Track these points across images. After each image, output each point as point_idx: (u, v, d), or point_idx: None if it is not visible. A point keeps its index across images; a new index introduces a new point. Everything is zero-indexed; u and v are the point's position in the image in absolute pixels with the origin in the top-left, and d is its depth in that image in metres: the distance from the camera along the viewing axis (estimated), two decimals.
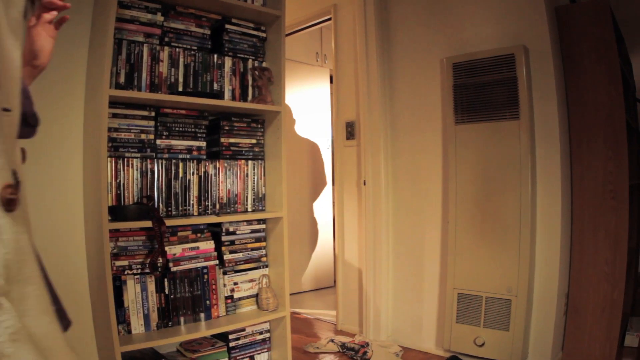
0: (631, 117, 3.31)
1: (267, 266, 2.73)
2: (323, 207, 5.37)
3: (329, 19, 4.07)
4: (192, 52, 2.51)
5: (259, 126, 2.71)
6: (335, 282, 4.22)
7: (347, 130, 3.93)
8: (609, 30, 2.95)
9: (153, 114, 2.37)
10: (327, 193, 5.39)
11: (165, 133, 2.41)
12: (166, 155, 2.41)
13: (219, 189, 2.56)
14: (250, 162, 2.68)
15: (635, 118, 3.67)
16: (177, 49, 2.46)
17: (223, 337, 2.60)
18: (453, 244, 3.09)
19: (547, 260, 2.92)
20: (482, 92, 2.94)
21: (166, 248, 2.36)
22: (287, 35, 4.37)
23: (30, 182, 2.20)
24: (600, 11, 2.98)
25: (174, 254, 2.40)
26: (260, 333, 2.71)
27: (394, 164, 3.62)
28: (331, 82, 4.98)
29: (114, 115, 2.26)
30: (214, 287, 2.50)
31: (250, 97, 2.71)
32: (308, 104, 5.20)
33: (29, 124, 0.73)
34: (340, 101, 4.00)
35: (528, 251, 2.82)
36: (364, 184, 3.70)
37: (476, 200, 3.00)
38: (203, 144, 2.53)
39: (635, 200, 3.25)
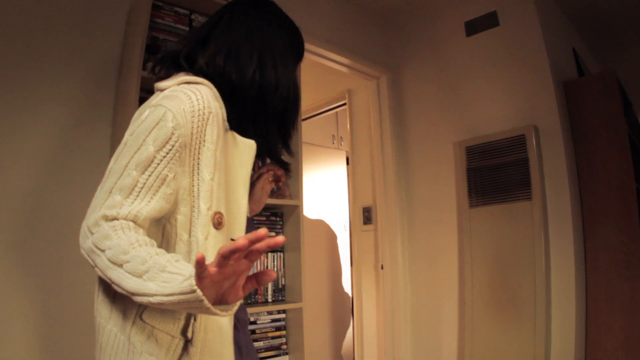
0: None
1: (287, 354, 2.77)
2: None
3: (344, 104, 4.15)
4: None
5: (277, 219, 2.78)
6: None
7: (364, 215, 3.99)
8: (616, 100, 3.00)
9: None
10: (345, 277, 5.28)
11: None
12: None
13: None
14: (269, 254, 2.74)
15: None
16: None
17: None
18: (470, 323, 3.12)
19: (563, 333, 2.94)
20: (494, 174, 3.00)
21: None
22: (304, 119, 4.48)
23: (56, 251, 2.20)
24: (607, 82, 3.05)
25: None
26: None
27: (410, 247, 3.66)
28: (347, 163, 4.99)
29: None
30: None
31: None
32: (325, 186, 5.19)
33: None
34: (356, 186, 4.08)
35: (543, 326, 2.85)
36: (382, 268, 3.74)
37: (491, 281, 3.04)
38: None
39: None
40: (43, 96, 2.22)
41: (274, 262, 2.75)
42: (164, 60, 1.28)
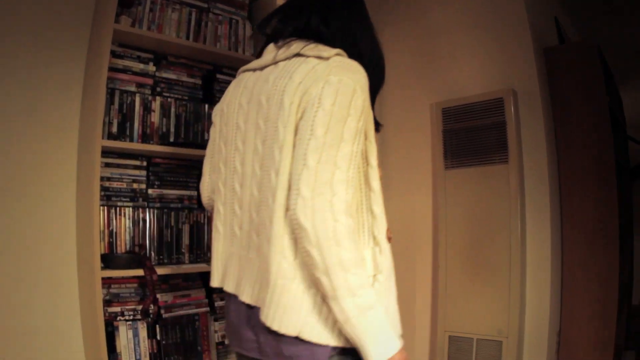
0: (621, 154, 3.35)
1: None
2: None
3: None
4: (184, 102, 2.55)
5: None
6: None
7: None
8: (596, 69, 2.99)
9: (145, 163, 2.41)
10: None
11: (157, 182, 2.45)
12: (158, 205, 2.44)
13: (210, 238, 2.59)
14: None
15: (625, 155, 3.70)
16: (168, 99, 2.50)
17: None
18: (444, 287, 3.11)
19: (538, 300, 2.93)
20: (471, 136, 2.98)
21: (158, 295, 2.39)
22: None
23: (26, 229, 2.24)
24: (588, 50, 3.03)
25: (166, 301, 2.43)
26: None
27: (384, 209, 3.62)
28: None
29: (107, 165, 2.30)
30: (205, 333, 2.52)
31: None
32: None
33: None
34: None
35: (518, 292, 2.84)
36: None
37: (466, 244, 3.03)
38: (194, 193, 2.56)
39: (625, 237, 3.27)
40: (16, 44, 2.22)
41: None
42: (285, 30, 1.35)
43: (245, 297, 1.27)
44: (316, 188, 1.08)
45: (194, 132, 2.58)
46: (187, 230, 2.52)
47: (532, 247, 2.95)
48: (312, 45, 1.25)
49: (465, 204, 3.03)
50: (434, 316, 3.32)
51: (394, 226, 3.54)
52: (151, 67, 2.44)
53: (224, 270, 1.39)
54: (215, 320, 2.58)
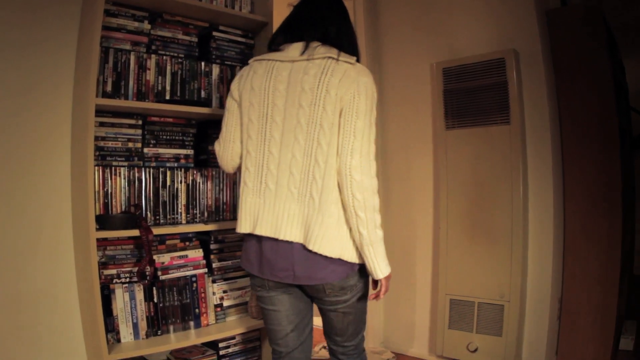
0: (623, 120, 3.30)
1: None
2: None
3: None
4: (180, 60, 2.50)
5: None
6: None
7: None
8: (600, 32, 2.93)
9: (140, 122, 2.37)
10: None
11: (152, 141, 2.40)
12: (154, 164, 2.40)
13: (207, 197, 2.55)
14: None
15: (628, 121, 3.66)
16: (164, 57, 2.45)
17: (213, 345, 2.58)
18: (445, 249, 3.08)
19: (540, 265, 2.91)
20: (472, 97, 2.94)
21: (154, 257, 2.35)
22: None
23: (19, 191, 2.20)
24: (591, 13, 2.97)
25: (163, 263, 2.39)
26: (251, 341, 2.70)
27: (384, 170, 3.61)
28: None
29: (101, 124, 2.25)
30: (203, 295, 2.49)
31: None
32: None
33: None
34: None
35: (520, 256, 2.81)
36: None
37: (468, 205, 3.00)
38: (191, 152, 2.52)
39: (628, 203, 3.24)
40: (8, 2, 2.18)
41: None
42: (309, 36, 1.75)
43: (288, 237, 1.67)
44: (362, 156, 1.61)
45: (190, 90, 2.53)
46: (184, 189, 2.48)
47: (534, 210, 2.93)
48: (335, 51, 1.69)
49: (467, 165, 3.00)
50: (435, 279, 3.29)
51: (394, 187, 3.52)
52: (146, 25, 2.39)
53: (255, 218, 1.74)
54: (214, 281, 2.55)
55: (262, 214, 1.72)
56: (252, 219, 1.76)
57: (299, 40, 1.75)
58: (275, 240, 1.69)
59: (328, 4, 1.83)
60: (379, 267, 1.67)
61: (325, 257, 1.63)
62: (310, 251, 1.64)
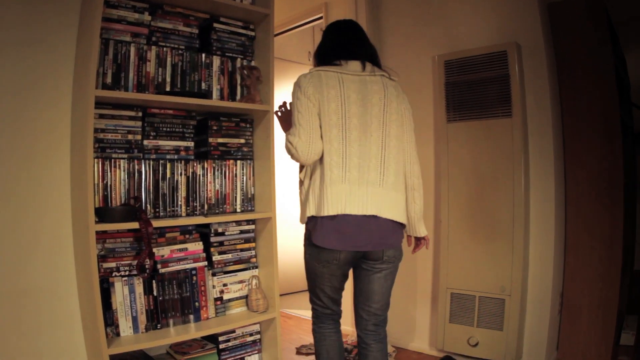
0: (625, 114, 3.29)
1: (257, 267, 2.70)
2: None
3: (320, 18, 4.05)
4: (180, 52, 2.48)
5: (247, 126, 2.68)
6: None
7: None
8: (602, 26, 2.92)
9: (140, 114, 2.35)
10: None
11: (152, 133, 2.38)
12: (154, 156, 2.38)
13: (207, 190, 2.53)
14: (239, 162, 2.65)
15: (629, 115, 3.65)
16: (164, 49, 2.43)
17: (213, 339, 2.57)
18: (446, 243, 3.07)
19: (541, 259, 2.89)
20: (474, 89, 2.92)
21: (154, 249, 2.34)
22: (278, 34, 4.35)
23: (19, 184, 2.18)
24: (593, 7, 2.96)
25: (162, 256, 2.38)
26: (251, 335, 2.68)
27: None
28: None
29: (101, 116, 2.23)
30: (202, 288, 2.48)
31: (238, 97, 2.68)
32: None
33: None
34: None
35: (522, 250, 2.80)
36: None
37: (469, 199, 2.98)
38: (191, 144, 2.50)
39: (630, 198, 3.23)
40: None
41: (242, 169, 2.67)
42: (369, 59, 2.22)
43: (373, 212, 2.03)
44: (416, 153, 2.23)
45: (190, 82, 2.51)
46: (184, 182, 2.46)
47: (536, 204, 2.91)
48: (383, 71, 2.21)
49: (468, 158, 2.98)
50: (436, 272, 3.28)
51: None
52: (146, 17, 2.37)
53: (345, 200, 2.02)
54: (214, 275, 2.53)
55: (350, 196, 2.02)
56: (343, 201, 2.02)
57: (354, 58, 2.16)
58: (363, 215, 2.03)
59: (363, 31, 2.31)
60: (424, 228, 2.31)
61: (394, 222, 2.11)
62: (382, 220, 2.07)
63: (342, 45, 2.21)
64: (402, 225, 2.16)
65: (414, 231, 2.28)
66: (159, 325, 2.34)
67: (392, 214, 2.08)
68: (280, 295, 2.82)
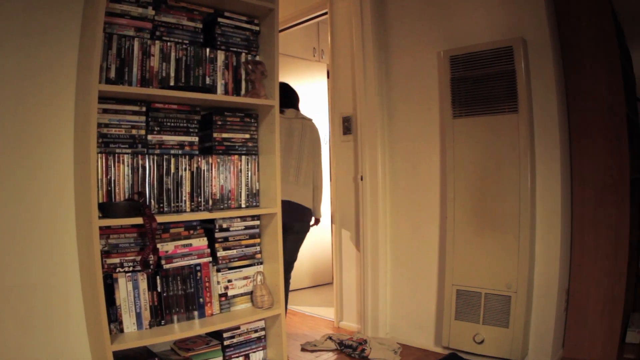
0: (631, 110, 3.27)
1: (261, 263, 2.69)
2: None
3: (325, 13, 4.03)
4: (184, 46, 2.46)
5: (252, 121, 2.67)
6: (333, 278, 4.19)
7: (344, 125, 3.90)
8: (608, 20, 2.90)
9: (144, 109, 2.33)
10: (325, 188, 5.35)
11: (156, 128, 2.37)
12: (158, 151, 2.37)
13: (211, 185, 2.52)
14: (243, 157, 2.63)
15: (635, 111, 3.62)
16: (168, 43, 2.42)
17: (217, 335, 2.56)
18: (451, 239, 3.05)
19: (547, 256, 2.88)
20: (480, 85, 2.90)
21: (158, 245, 2.33)
22: (283, 30, 4.34)
23: (22, 179, 2.17)
24: (599, 3, 2.94)
25: (166, 251, 2.36)
26: (256, 331, 2.67)
27: (391, 159, 3.58)
28: (328, 77, 4.98)
29: (105, 111, 2.22)
30: (207, 284, 2.46)
31: (243, 92, 2.66)
32: (305, 99, 5.11)
33: None
34: (336, 95, 3.97)
35: (527, 246, 2.78)
36: (361, 179, 3.67)
37: (475, 195, 2.96)
38: (195, 139, 2.48)
39: (636, 194, 3.21)
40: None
41: (247, 164, 2.65)
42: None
43: (301, 202, 3.42)
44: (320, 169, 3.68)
45: (194, 77, 2.50)
46: (188, 177, 2.45)
47: (542, 200, 2.89)
48: (302, 114, 3.62)
49: (474, 154, 2.96)
50: (441, 269, 3.27)
51: (401, 175, 3.50)
52: (150, 11, 2.35)
53: (290, 195, 3.37)
54: (218, 270, 2.52)
55: (292, 192, 3.40)
56: (288, 195, 3.37)
57: (290, 107, 3.54)
58: (296, 203, 3.42)
59: (290, 88, 3.65)
60: (321, 211, 3.72)
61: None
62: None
63: (284, 99, 3.42)
64: (309, 209, 3.51)
65: (317, 213, 3.65)
66: (163, 321, 2.33)
67: (303, 201, 3.42)
68: None
